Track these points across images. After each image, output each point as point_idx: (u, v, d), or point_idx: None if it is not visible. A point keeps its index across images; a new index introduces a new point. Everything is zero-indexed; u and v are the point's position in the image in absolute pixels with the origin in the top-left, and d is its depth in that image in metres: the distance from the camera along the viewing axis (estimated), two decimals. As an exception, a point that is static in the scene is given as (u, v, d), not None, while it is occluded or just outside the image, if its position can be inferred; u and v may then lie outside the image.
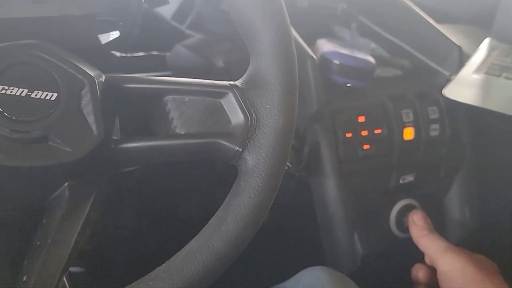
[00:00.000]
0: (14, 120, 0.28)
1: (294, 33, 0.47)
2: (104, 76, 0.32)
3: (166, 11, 0.64)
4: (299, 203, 0.58)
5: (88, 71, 0.30)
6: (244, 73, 0.39)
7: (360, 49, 0.57)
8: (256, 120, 0.31)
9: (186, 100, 0.32)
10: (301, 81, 0.33)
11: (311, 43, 0.56)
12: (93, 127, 0.29)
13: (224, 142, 0.31)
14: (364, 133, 0.51)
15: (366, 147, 0.52)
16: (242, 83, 0.32)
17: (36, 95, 0.29)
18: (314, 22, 0.67)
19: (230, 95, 0.32)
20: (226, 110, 0.32)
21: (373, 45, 0.65)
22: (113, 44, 0.40)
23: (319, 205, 0.54)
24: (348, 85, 0.51)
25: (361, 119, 0.52)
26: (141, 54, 0.64)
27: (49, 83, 0.29)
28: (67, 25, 0.39)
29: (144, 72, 0.60)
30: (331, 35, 0.69)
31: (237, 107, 0.31)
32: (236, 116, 0.31)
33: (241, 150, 0.30)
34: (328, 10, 0.68)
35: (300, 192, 0.56)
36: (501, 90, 0.50)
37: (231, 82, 0.32)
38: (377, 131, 0.52)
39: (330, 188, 0.51)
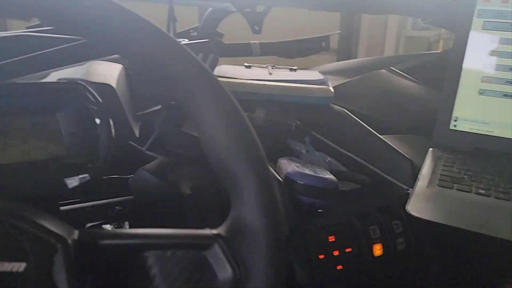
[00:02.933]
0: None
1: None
2: (76, 232, 0.30)
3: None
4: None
5: (60, 232, 0.28)
6: (212, 202, 0.38)
7: (318, 165, 0.60)
8: (245, 274, 0.30)
9: (168, 254, 0.30)
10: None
11: (270, 160, 0.57)
12: (65, 297, 0.26)
13: (212, 302, 0.29)
14: (336, 253, 0.51)
15: (339, 267, 0.51)
16: (226, 231, 0.31)
17: (2, 267, 0.26)
18: (270, 138, 0.70)
19: (216, 247, 0.30)
20: (212, 263, 0.30)
21: (328, 158, 0.68)
22: (80, 188, 0.38)
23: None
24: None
25: (331, 238, 0.52)
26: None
27: (17, 252, 0.26)
28: (30, 170, 0.37)
29: (106, 199, 0.57)
30: (287, 150, 0.72)
31: (224, 260, 0.30)
32: (223, 270, 0.30)
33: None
34: (283, 126, 0.71)
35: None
36: (457, 203, 0.53)
37: (214, 232, 0.31)
38: (348, 250, 0.52)
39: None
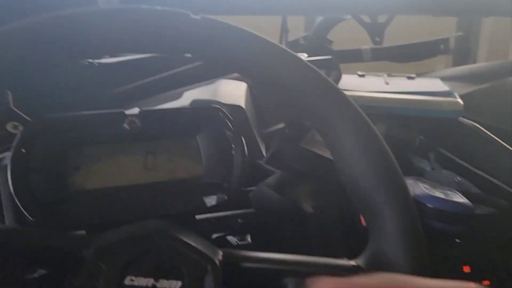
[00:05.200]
0: (139, 313, 0.27)
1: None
2: (220, 253, 0.31)
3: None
4: None
5: (209, 254, 0.30)
6: (334, 222, 0.37)
7: (447, 186, 0.55)
8: (388, 310, 0.28)
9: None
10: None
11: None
12: (216, 315, 0.28)
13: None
14: (473, 286, 0.47)
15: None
16: (365, 264, 0.31)
17: (161, 285, 0.28)
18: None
19: (356, 280, 0.30)
20: (352, 296, 0.30)
21: (458, 178, 0.63)
22: (217, 207, 0.40)
23: None
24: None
25: (466, 269, 0.48)
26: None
27: (174, 270, 0.29)
28: (175, 189, 0.40)
29: (228, 211, 0.60)
30: (409, 167, 0.68)
31: (364, 293, 0.29)
32: (364, 304, 0.29)
33: None
34: (405, 142, 0.67)
35: None
36: None
37: (353, 263, 0.31)
38: (486, 282, 0.47)
39: None
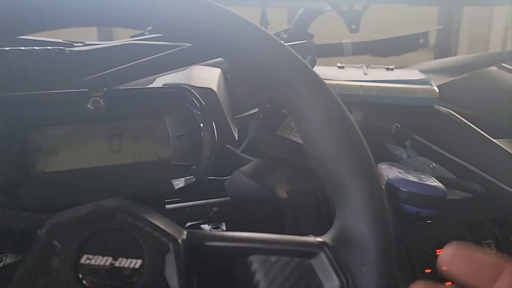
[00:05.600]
0: (97, 293, 0.26)
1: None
2: (185, 233, 0.30)
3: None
4: None
5: (171, 232, 0.29)
6: (308, 207, 0.36)
7: (422, 171, 0.55)
8: (353, 285, 0.28)
9: (273, 260, 0.30)
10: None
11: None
12: (176, 294, 0.27)
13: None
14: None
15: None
16: (331, 240, 0.30)
17: (120, 263, 0.27)
18: (367, 142, 0.67)
19: (322, 256, 0.29)
20: (318, 272, 0.29)
21: (433, 164, 0.63)
22: (185, 189, 0.39)
23: None
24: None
25: (439, 252, 0.47)
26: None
27: (134, 249, 0.28)
28: (141, 171, 0.39)
29: (202, 200, 0.59)
30: (386, 155, 0.68)
31: (330, 270, 0.29)
32: (330, 280, 0.29)
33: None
34: (382, 129, 0.67)
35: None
36: None
37: (319, 239, 0.30)
38: (458, 265, 0.47)
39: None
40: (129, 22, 0.33)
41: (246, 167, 0.59)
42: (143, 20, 0.32)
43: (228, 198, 0.59)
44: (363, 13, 0.68)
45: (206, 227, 0.55)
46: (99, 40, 0.88)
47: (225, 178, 0.61)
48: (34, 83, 0.59)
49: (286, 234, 0.51)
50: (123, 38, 0.80)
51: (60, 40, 0.72)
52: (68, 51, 0.67)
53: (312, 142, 0.32)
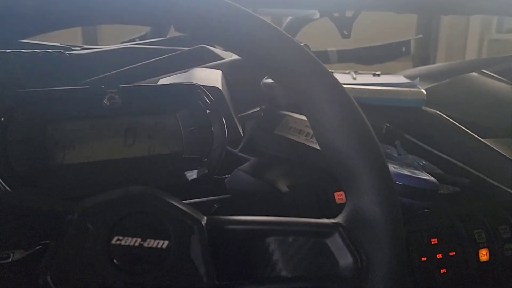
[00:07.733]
0: (127, 271, 0.28)
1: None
2: (204, 218, 0.32)
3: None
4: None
5: (195, 216, 0.31)
6: (310, 200, 0.38)
7: (413, 167, 0.58)
8: (367, 262, 0.30)
9: (290, 240, 0.32)
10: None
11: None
12: (202, 274, 0.29)
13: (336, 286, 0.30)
14: (439, 256, 0.50)
15: (443, 271, 0.49)
16: (344, 220, 0.32)
17: (148, 244, 0.29)
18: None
19: (336, 235, 0.31)
20: (333, 251, 0.31)
21: (423, 162, 0.66)
22: (198, 181, 0.41)
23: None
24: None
25: (434, 241, 0.50)
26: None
27: (161, 231, 0.29)
28: (155, 164, 0.41)
29: (204, 197, 0.60)
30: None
31: (345, 248, 0.31)
32: (344, 258, 0.31)
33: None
34: (372, 129, 0.70)
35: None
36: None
37: (334, 221, 0.32)
38: (452, 253, 0.50)
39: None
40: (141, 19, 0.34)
41: (246, 165, 0.61)
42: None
43: (229, 195, 0.61)
44: (354, 20, 0.72)
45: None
46: (84, 43, 0.89)
47: (224, 176, 0.63)
48: (36, 84, 0.60)
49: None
50: (108, 41, 0.81)
51: (58, 44, 0.73)
52: (67, 54, 0.68)
53: (322, 129, 0.34)
